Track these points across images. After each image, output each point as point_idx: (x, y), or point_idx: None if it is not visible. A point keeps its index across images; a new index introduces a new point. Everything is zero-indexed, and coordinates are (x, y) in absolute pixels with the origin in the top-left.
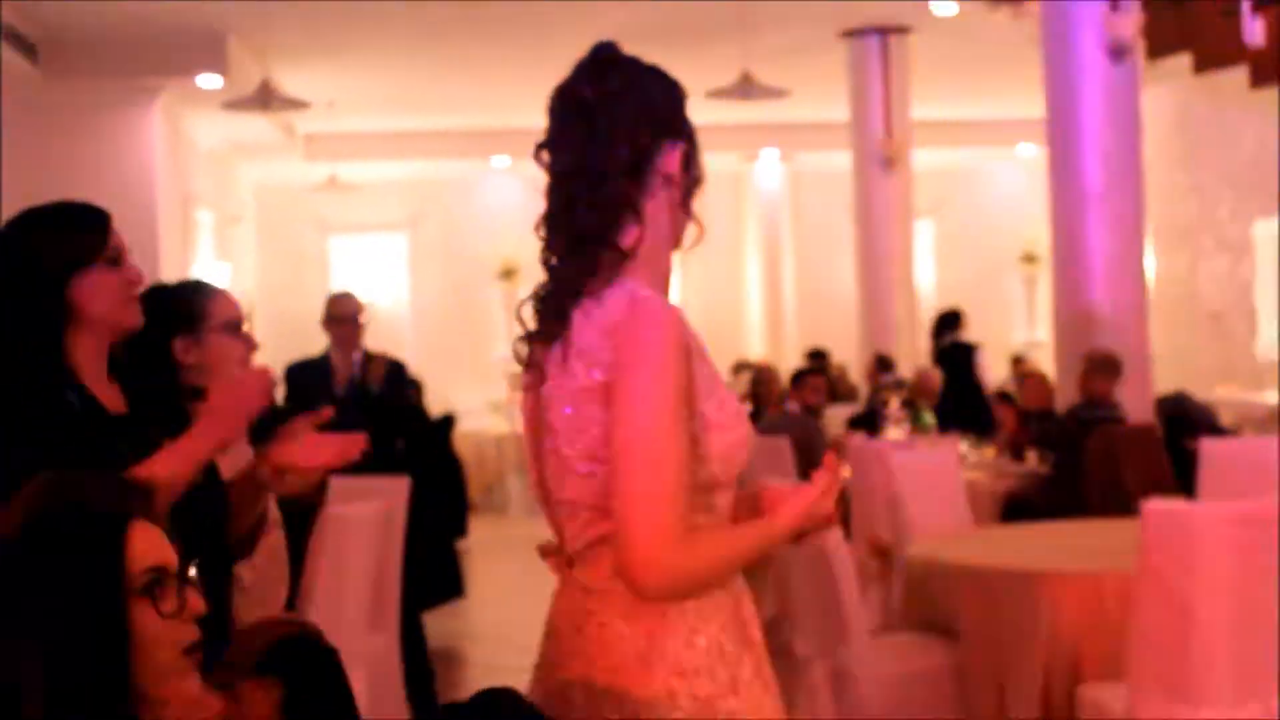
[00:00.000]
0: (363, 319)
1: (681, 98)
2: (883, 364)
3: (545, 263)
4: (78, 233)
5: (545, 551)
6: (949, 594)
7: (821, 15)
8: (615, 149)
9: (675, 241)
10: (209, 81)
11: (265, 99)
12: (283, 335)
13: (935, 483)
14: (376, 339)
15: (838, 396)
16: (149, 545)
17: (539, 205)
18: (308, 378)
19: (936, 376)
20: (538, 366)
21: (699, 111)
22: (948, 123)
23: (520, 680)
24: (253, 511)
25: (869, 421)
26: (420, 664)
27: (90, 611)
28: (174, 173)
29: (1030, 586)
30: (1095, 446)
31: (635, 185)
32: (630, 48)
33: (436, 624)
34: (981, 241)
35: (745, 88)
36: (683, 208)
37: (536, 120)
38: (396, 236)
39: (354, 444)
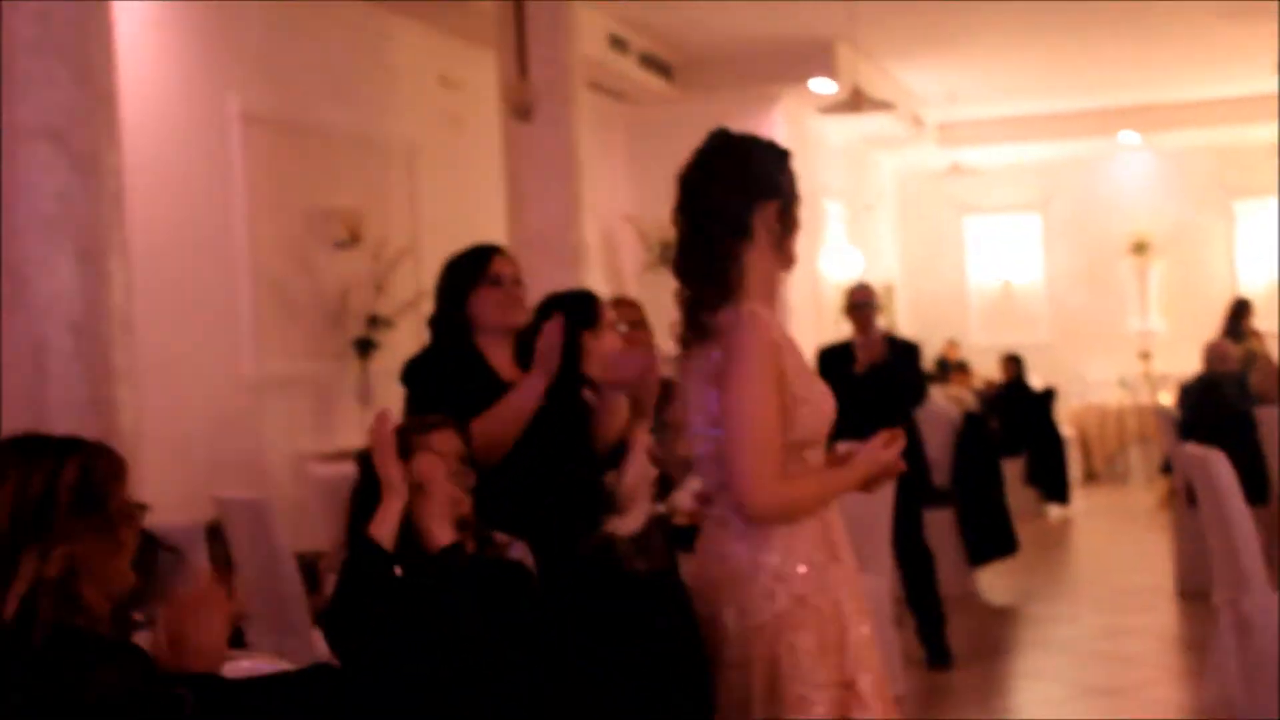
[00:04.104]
0: (875, 305)
1: (778, 161)
2: None
3: (680, 291)
4: (468, 265)
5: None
6: None
7: None
8: (719, 215)
9: (779, 268)
10: (821, 86)
11: (856, 103)
12: (923, 312)
13: None
14: (1012, 316)
15: None
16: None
17: (1169, 179)
18: (834, 358)
19: None
20: (685, 357)
21: None
22: None
23: (1062, 636)
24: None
25: None
26: (932, 609)
27: None
28: (798, 169)
29: None
30: None
31: (737, 239)
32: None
33: (996, 579)
34: None
35: None
36: (780, 248)
37: (1162, 95)
38: (1030, 216)
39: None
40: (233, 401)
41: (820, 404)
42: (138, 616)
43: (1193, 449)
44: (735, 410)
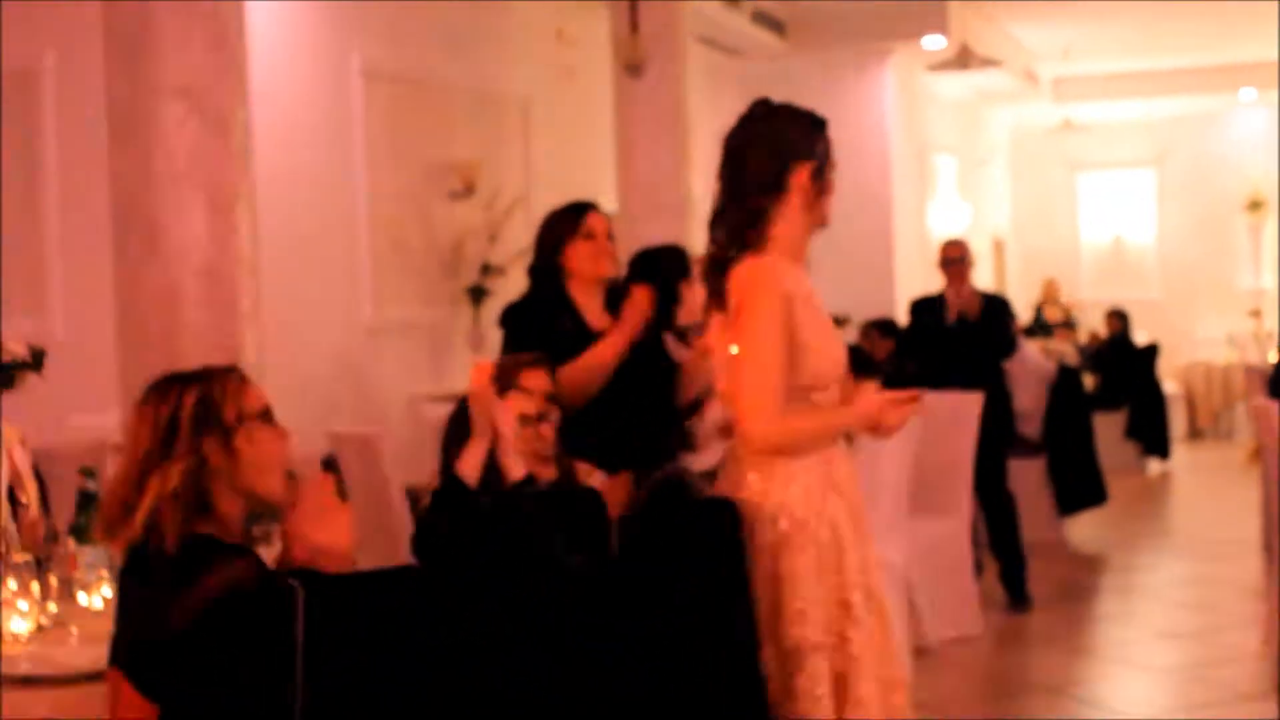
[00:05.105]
0: (969, 260)
1: (814, 128)
2: None
3: (710, 242)
4: (565, 219)
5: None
6: None
7: None
8: (753, 175)
9: (808, 228)
10: (933, 42)
11: (963, 60)
12: (1033, 266)
13: None
14: (1123, 271)
15: None
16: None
17: None
18: (925, 310)
19: None
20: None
21: None
22: None
23: (1144, 583)
24: (697, 379)
25: None
26: (1014, 553)
27: None
28: (909, 125)
29: None
30: None
31: (769, 197)
32: None
33: (1086, 528)
34: None
35: None
36: (812, 208)
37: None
38: (1144, 172)
39: None
40: (351, 344)
41: (829, 352)
42: (255, 533)
43: (1257, 402)
44: (741, 353)
